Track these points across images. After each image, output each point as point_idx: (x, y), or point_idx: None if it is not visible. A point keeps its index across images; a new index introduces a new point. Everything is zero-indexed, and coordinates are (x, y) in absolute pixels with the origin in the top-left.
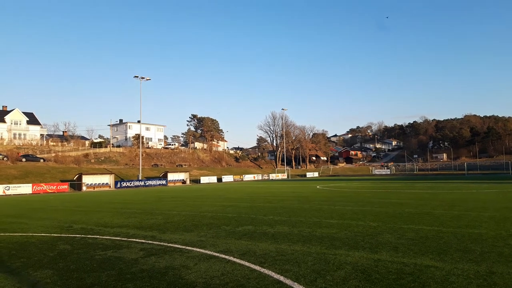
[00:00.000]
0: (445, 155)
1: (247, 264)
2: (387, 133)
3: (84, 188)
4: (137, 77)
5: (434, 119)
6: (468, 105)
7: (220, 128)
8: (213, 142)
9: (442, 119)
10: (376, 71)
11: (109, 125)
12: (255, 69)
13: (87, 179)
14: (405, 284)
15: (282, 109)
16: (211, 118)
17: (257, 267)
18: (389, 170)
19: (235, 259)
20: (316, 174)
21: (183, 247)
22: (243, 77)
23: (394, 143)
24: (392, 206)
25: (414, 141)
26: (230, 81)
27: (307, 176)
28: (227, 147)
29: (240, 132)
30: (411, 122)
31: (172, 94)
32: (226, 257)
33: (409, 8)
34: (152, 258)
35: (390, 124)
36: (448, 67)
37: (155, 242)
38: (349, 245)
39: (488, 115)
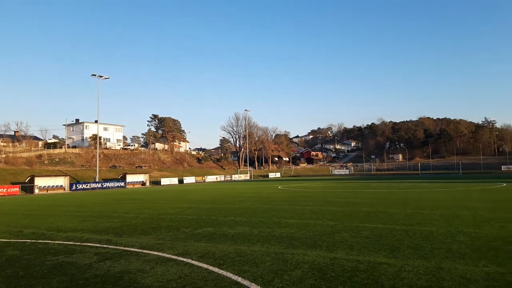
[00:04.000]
0: (400, 156)
1: (205, 266)
2: (346, 134)
3: (36, 191)
4: (95, 75)
5: (390, 121)
6: (422, 108)
7: (182, 129)
8: (174, 143)
9: (398, 121)
10: (336, 74)
11: (65, 125)
12: (217, 69)
13: (40, 182)
14: (358, 281)
15: (245, 110)
16: (173, 119)
17: (216, 269)
18: (348, 170)
19: (193, 262)
20: (278, 175)
21: (140, 250)
22: (206, 77)
23: (353, 144)
24: (350, 205)
25: (372, 142)
26: (192, 81)
27: (270, 176)
28: (189, 148)
29: (203, 133)
30: (369, 124)
31: (132, 94)
32: (184, 259)
33: (365, 8)
34: (107, 262)
35: (350, 125)
36: (405, 71)
37: (110, 246)
38: (307, 244)
39: (440, 117)
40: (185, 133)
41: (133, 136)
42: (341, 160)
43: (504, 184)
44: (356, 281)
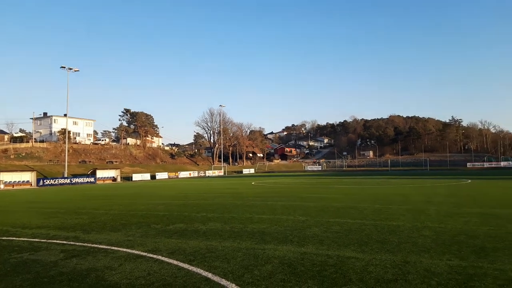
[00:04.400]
0: (371, 152)
1: (175, 262)
2: (319, 131)
3: (1, 186)
4: (64, 67)
5: (362, 119)
6: (393, 106)
7: (155, 124)
8: (147, 138)
9: (369, 119)
10: (310, 71)
11: (32, 119)
12: (192, 65)
13: (5, 177)
14: (327, 275)
15: (220, 105)
16: (145, 113)
17: (186, 265)
18: (320, 166)
19: (163, 258)
20: (252, 171)
21: (109, 247)
22: (180, 72)
23: (326, 140)
24: (321, 201)
25: (344, 139)
26: (165, 76)
27: (244, 172)
28: (162, 144)
29: (177, 128)
30: (342, 121)
31: (104, 87)
32: (154, 256)
33: (336, 4)
34: (73, 260)
35: (323, 122)
36: (377, 69)
37: (78, 243)
38: (278, 240)
39: (410, 115)
40: (158, 128)
41: (104, 131)
42: (314, 157)
43: (469, 181)
44: (325, 275)
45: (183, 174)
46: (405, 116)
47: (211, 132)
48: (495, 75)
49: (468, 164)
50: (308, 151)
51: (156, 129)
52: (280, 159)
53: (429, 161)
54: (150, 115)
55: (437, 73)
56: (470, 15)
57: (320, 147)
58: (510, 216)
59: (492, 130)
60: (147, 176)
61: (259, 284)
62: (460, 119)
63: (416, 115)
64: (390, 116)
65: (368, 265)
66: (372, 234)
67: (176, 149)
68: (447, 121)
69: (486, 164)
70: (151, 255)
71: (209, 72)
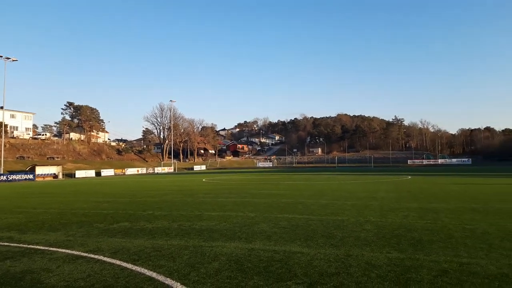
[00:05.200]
0: (320, 150)
1: (118, 262)
2: (271, 128)
3: None
4: (1, 57)
5: (312, 117)
6: (341, 105)
7: (100, 118)
8: (92, 133)
9: (319, 117)
10: (262, 69)
11: None
12: (141, 58)
13: None
14: (273, 270)
15: (171, 100)
16: (90, 107)
17: (129, 265)
18: (271, 163)
19: (105, 258)
20: (203, 167)
21: (46, 248)
22: (128, 66)
23: (277, 137)
24: (271, 197)
25: (294, 136)
26: (112, 68)
27: (195, 169)
28: (109, 139)
29: (124, 124)
30: (293, 119)
31: (45, 79)
32: (96, 256)
33: (289, 8)
34: (7, 262)
35: (274, 120)
36: (327, 68)
37: (12, 244)
38: (227, 236)
39: (357, 114)
40: (104, 122)
41: (45, 125)
42: (266, 153)
43: (409, 177)
44: (271, 270)
45: (131, 171)
46: (352, 115)
47: (161, 128)
48: (436, 77)
49: (409, 161)
50: (259, 148)
51: (102, 123)
52: (232, 156)
53: (374, 158)
54: (95, 109)
55: (381, 73)
56: (405, 14)
57: (272, 144)
58: (445, 210)
59: (431, 130)
60: (91, 173)
61: (205, 282)
62: (402, 119)
63: (362, 114)
64: (338, 115)
65: (313, 259)
66: (318, 229)
67: (123, 145)
68: (391, 120)
69: (425, 161)
70: (92, 256)
71: (159, 66)
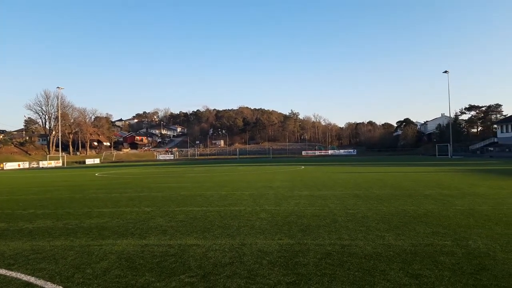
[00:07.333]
0: (222, 142)
1: None
2: (173, 119)
3: None
4: None
5: (214, 109)
6: (243, 98)
7: None
8: None
9: (221, 109)
10: (163, 58)
11: None
12: (19, 38)
13: None
14: (167, 265)
15: (58, 87)
16: None
17: (3, 271)
18: (173, 155)
19: None
20: (97, 161)
21: None
22: (6, 46)
23: (179, 129)
24: (169, 190)
25: (197, 128)
26: None
27: (87, 163)
28: None
29: (1, 112)
30: (195, 110)
31: None
32: None
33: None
34: None
35: (176, 111)
36: (228, 61)
37: None
38: (119, 233)
39: (257, 107)
40: None
41: None
42: (167, 145)
43: (303, 167)
44: (164, 265)
45: (10, 166)
46: (252, 108)
47: (47, 117)
48: (329, 73)
49: (303, 152)
50: (160, 140)
51: None
52: (130, 148)
53: (272, 149)
54: None
55: (280, 69)
56: (292, 13)
57: (173, 135)
58: (332, 197)
59: (323, 123)
60: None
61: (91, 284)
62: (298, 112)
63: (262, 108)
64: (239, 107)
65: (208, 250)
66: (215, 221)
67: (1, 136)
68: (287, 113)
69: (317, 152)
70: None
71: (45, 47)
